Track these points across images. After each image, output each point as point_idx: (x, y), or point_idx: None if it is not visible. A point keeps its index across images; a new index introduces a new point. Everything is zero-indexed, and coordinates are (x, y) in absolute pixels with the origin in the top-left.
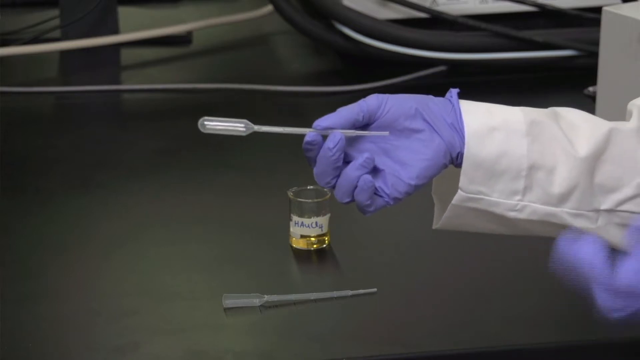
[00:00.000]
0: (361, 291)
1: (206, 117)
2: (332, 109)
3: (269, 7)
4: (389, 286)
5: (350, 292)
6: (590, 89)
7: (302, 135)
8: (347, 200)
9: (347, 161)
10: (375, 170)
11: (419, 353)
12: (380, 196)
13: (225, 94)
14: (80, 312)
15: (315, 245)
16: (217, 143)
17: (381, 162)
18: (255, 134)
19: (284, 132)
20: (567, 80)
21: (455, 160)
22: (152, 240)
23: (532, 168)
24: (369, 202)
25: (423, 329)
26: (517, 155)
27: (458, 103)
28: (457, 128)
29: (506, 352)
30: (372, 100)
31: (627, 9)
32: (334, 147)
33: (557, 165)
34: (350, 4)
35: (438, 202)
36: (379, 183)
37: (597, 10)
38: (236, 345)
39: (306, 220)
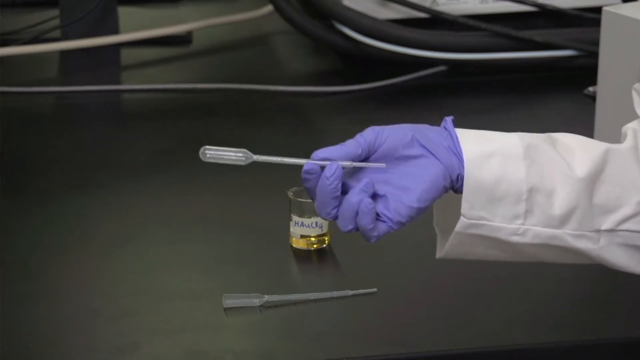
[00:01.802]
0: (361, 291)
1: (207, 147)
2: (332, 109)
3: (269, 7)
4: (389, 286)
5: (350, 292)
6: (590, 89)
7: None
8: (351, 227)
9: (347, 192)
10: (376, 197)
11: (419, 353)
12: (384, 221)
13: (225, 94)
14: (80, 312)
15: (315, 245)
16: (217, 143)
17: (382, 189)
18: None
19: (282, 162)
20: (567, 80)
21: (456, 183)
22: (152, 240)
23: (531, 191)
24: (371, 225)
25: (423, 329)
26: (517, 179)
27: (454, 130)
28: (455, 151)
29: (506, 352)
30: (369, 133)
31: (627, 9)
32: (331, 176)
33: (556, 187)
34: (350, 4)
35: (440, 233)
36: (381, 209)
37: (597, 10)
38: (236, 345)
39: (306, 220)
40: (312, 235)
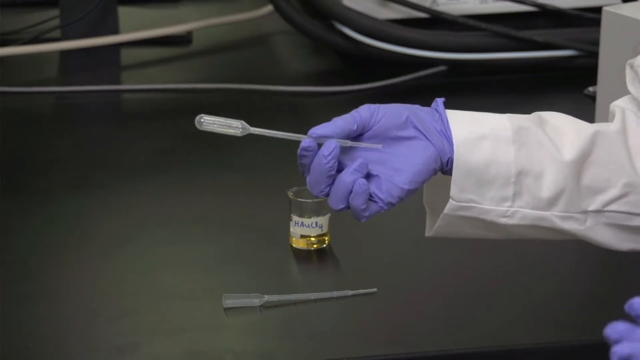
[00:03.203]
0: (361, 291)
1: (204, 115)
2: (332, 109)
3: (269, 7)
4: (389, 286)
5: (350, 292)
6: (590, 89)
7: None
8: (342, 206)
9: (340, 170)
10: (368, 177)
11: (419, 353)
12: (375, 201)
13: (225, 94)
14: (80, 312)
15: (315, 245)
16: (217, 143)
17: (374, 169)
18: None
19: (279, 136)
20: (567, 80)
21: (445, 166)
22: (152, 240)
23: (520, 174)
24: (364, 206)
25: (423, 329)
26: (505, 163)
27: (445, 112)
28: (446, 135)
29: (506, 352)
30: (364, 110)
31: (627, 9)
32: (328, 155)
33: (544, 170)
34: (350, 4)
35: (430, 211)
36: (373, 189)
37: (597, 10)
38: (236, 345)
39: (306, 220)
40: (312, 235)
